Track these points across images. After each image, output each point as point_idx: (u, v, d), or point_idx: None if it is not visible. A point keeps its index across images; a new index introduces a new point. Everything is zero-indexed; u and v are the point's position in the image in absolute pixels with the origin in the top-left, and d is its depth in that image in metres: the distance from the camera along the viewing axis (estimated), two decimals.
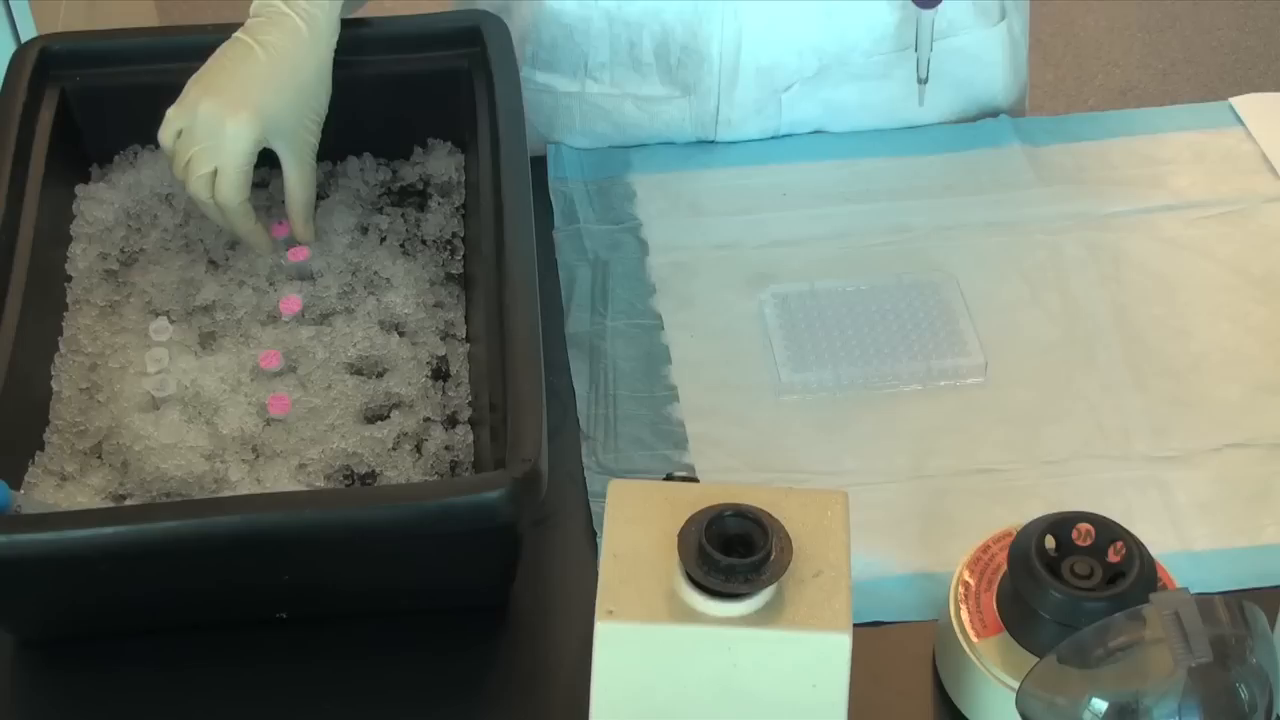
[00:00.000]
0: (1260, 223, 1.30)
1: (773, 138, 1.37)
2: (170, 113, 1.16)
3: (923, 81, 1.33)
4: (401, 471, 1.08)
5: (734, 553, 0.87)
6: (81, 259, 1.19)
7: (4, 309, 1.07)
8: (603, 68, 1.35)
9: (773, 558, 0.87)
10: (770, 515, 0.89)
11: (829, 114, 1.37)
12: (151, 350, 1.14)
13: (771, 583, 0.87)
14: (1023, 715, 0.90)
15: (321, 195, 1.25)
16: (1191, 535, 1.09)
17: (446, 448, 1.09)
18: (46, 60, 1.22)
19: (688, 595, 0.88)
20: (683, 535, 0.88)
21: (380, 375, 1.14)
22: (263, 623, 1.04)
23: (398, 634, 1.04)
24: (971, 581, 0.99)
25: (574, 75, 1.35)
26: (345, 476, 1.08)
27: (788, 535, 0.88)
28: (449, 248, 1.22)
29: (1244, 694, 0.86)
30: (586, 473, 1.13)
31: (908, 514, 1.11)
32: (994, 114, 1.40)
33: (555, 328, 1.21)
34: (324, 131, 1.20)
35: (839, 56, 1.34)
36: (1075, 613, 0.92)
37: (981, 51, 1.38)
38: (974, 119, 1.40)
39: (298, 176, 1.18)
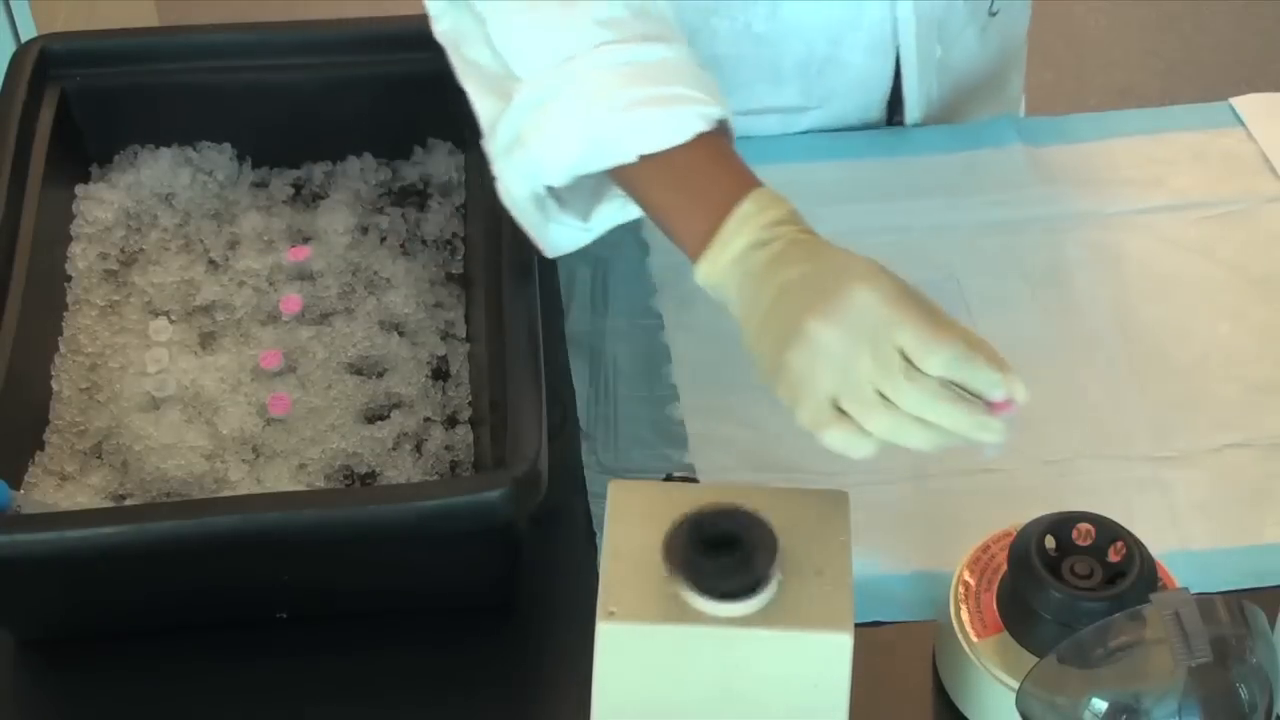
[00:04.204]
0: (1260, 223, 1.30)
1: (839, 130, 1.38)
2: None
3: (993, 14, 1.35)
4: (401, 471, 1.08)
5: (721, 553, 0.87)
6: (81, 259, 1.20)
7: (4, 309, 1.07)
8: (743, 86, 1.33)
9: (757, 554, 0.87)
10: (752, 513, 0.88)
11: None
12: (151, 350, 1.14)
13: (758, 579, 0.87)
14: (1023, 715, 0.90)
15: (321, 195, 1.25)
16: (1191, 535, 1.09)
17: (446, 448, 1.09)
18: (46, 60, 1.22)
19: (688, 595, 0.88)
20: (668, 542, 0.88)
21: (380, 375, 1.14)
22: (263, 622, 1.03)
23: (398, 633, 1.04)
24: (971, 581, 0.99)
25: None
26: (345, 476, 1.08)
27: (772, 531, 0.88)
28: (449, 248, 1.22)
29: (1244, 694, 0.86)
30: (586, 472, 1.13)
31: (908, 514, 1.10)
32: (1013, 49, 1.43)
33: (555, 328, 1.21)
34: (324, 131, 1.20)
35: (945, 24, 1.35)
36: (1075, 613, 0.92)
37: None
38: (1000, 62, 1.41)
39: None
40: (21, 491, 1.03)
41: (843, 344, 0.88)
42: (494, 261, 1.09)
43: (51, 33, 1.43)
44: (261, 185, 1.26)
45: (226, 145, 1.26)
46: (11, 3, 2.20)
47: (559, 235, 1.06)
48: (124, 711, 1.02)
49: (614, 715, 0.91)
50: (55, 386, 1.12)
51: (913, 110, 1.36)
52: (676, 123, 0.97)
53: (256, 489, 1.06)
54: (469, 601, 1.04)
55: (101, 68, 1.24)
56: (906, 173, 1.34)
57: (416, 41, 1.25)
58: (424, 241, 1.23)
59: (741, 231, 0.94)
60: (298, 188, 1.26)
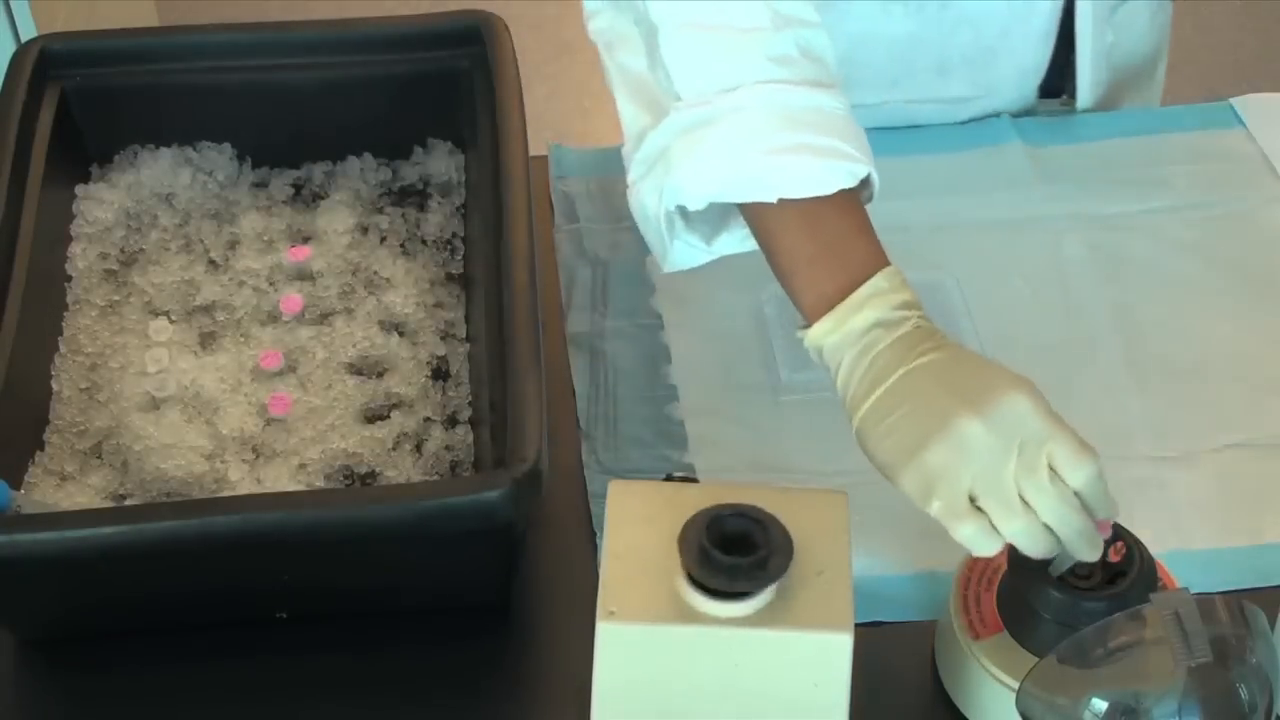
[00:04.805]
0: (1260, 223, 1.30)
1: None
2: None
3: None
4: (401, 471, 1.08)
5: (735, 552, 0.87)
6: (81, 259, 1.19)
7: (4, 309, 1.07)
8: (912, 75, 1.33)
9: (774, 557, 0.87)
10: (769, 514, 0.89)
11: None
12: (151, 350, 1.14)
13: (773, 581, 0.87)
14: (1023, 715, 0.90)
15: (321, 195, 1.25)
16: (1191, 535, 1.09)
17: (446, 448, 1.09)
18: (46, 60, 1.22)
19: (689, 595, 0.88)
20: (684, 535, 0.88)
21: (380, 375, 1.14)
22: (263, 622, 1.04)
23: (398, 633, 1.04)
24: (972, 581, 0.99)
25: (877, 90, 1.33)
26: (345, 476, 1.08)
27: (788, 534, 0.88)
28: (449, 248, 1.22)
29: (1244, 694, 0.86)
30: (586, 472, 1.13)
31: (908, 514, 1.10)
32: None
33: (555, 328, 1.21)
34: (324, 131, 1.20)
35: (1119, 9, 1.36)
36: (1075, 613, 0.92)
37: None
38: (1157, 46, 1.42)
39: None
40: (21, 491, 1.03)
41: (993, 445, 0.89)
42: (494, 261, 1.09)
43: (51, 33, 1.43)
44: (261, 185, 1.26)
45: (226, 145, 1.26)
46: (11, 3, 2.20)
47: (680, 253, 1.07)
48: (124, 711, 1.02)
49: (614, 715, 0.91)
50: (55, 386, 1.12)
51: (1084, 96, 1.37)
52: (824, 174, 0.96)
53: (256, 489, 1.06)
54: (468, 602, 1.04)
55: (101, 68, 1.24)
56: (906, 172, 1.34)
57: (416, 41, 1.25)
58: (424, 241, 1.23)
59: (871, 305, 0.94)
60: (298, 188, 1.26)
